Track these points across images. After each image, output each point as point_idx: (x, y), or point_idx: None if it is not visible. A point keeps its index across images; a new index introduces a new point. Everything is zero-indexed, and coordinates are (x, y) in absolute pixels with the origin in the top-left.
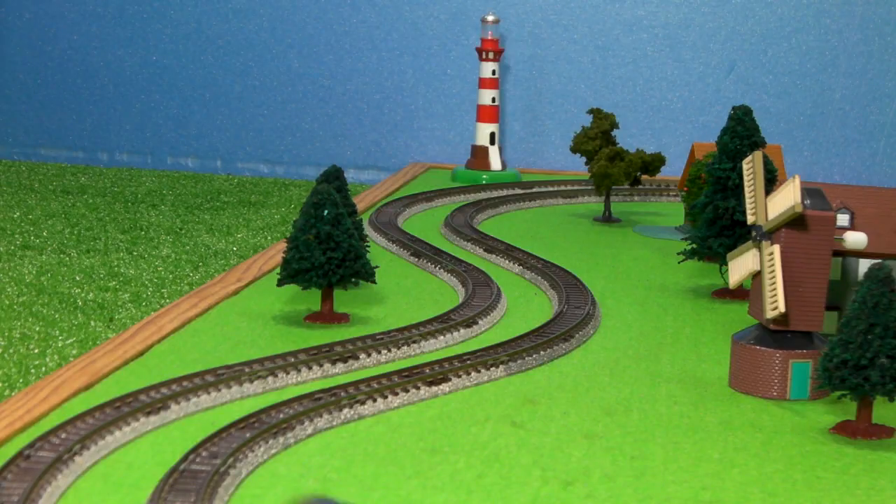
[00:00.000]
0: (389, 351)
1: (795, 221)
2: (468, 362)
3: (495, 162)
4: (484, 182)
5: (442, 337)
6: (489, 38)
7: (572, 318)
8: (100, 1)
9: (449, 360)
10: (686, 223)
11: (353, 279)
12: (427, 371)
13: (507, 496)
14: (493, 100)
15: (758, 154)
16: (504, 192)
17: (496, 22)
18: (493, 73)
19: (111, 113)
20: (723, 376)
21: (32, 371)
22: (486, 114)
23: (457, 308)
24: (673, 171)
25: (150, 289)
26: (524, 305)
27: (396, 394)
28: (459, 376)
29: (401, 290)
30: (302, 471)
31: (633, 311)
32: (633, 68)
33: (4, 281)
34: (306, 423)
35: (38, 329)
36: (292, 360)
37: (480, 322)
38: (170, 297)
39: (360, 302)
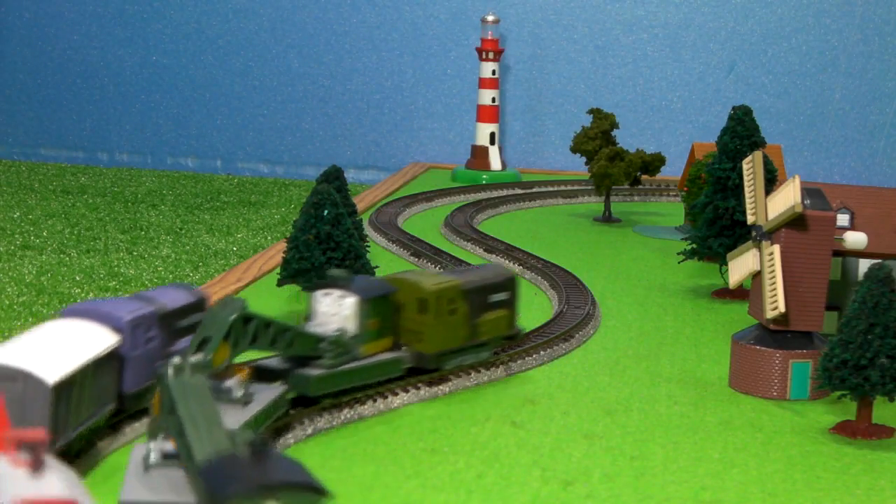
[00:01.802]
0: None
1: (795, 221)
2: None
3: (495, 162)
4: (484, 182)
5: None
6: (489, 38)
7: (572, 318)
8: (100, 1)
9: None
10: (686, 223)
11: None
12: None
13: (507, 496)
14: (493, 100)
15: (758, 154)
16: (504, 192)
17: (496, 22)
18: (493, 73)
19: (111, 113)
20: (723, 376)
21: None
22: (486, 114)
23: None
24: (673, 171)
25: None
26: (524, 305)
27: (396, 394)
28: (459, 376)
29: None
30: None
31: (633, 311)
32: (633, 68)
33: (4, 281)
34: (306, 423)
35: None
36: None
37: None
38: None
39: None
